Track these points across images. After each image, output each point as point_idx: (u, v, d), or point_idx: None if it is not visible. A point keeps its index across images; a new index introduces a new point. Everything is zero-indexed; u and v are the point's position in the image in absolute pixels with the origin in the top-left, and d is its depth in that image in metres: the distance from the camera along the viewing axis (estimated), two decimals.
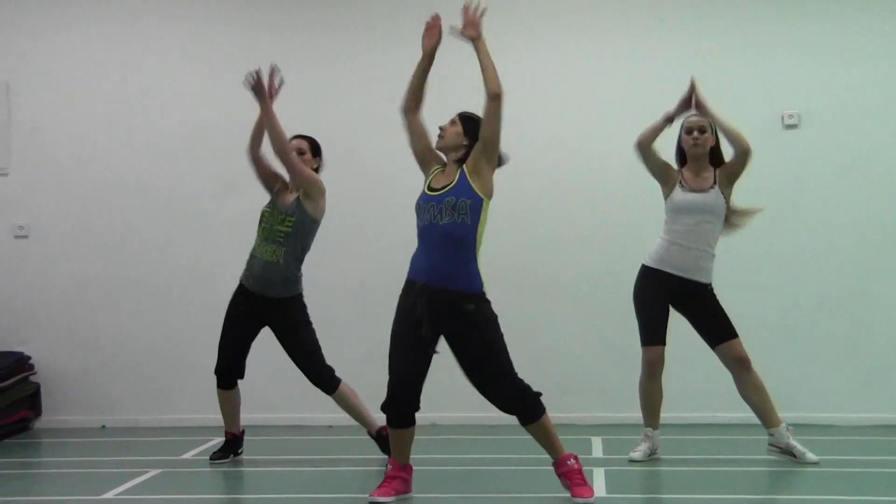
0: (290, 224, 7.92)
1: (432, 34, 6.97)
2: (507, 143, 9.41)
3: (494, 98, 6.76)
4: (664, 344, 7.90)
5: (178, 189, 10.06)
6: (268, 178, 8.19)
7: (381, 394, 8.52)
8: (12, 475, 7.94)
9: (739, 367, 7.80)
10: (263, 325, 8.11)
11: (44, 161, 10.12)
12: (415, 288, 6.62)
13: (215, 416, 9.72)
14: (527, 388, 6.67)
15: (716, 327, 7.85)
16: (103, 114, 10.11)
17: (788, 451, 7.77)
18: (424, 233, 6.67)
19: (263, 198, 9.35)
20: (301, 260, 8.01)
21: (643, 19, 9.91)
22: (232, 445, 8.25)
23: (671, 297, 7.87)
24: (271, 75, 8.07)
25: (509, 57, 9.94)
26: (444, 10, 9.97)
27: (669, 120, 7.98)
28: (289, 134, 8.03)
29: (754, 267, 9.60)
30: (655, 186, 8.49)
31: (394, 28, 10.06)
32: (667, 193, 7.92)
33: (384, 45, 10.05)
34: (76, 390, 9.98)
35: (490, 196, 6.68)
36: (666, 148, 8.17)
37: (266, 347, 9.58)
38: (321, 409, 9.65)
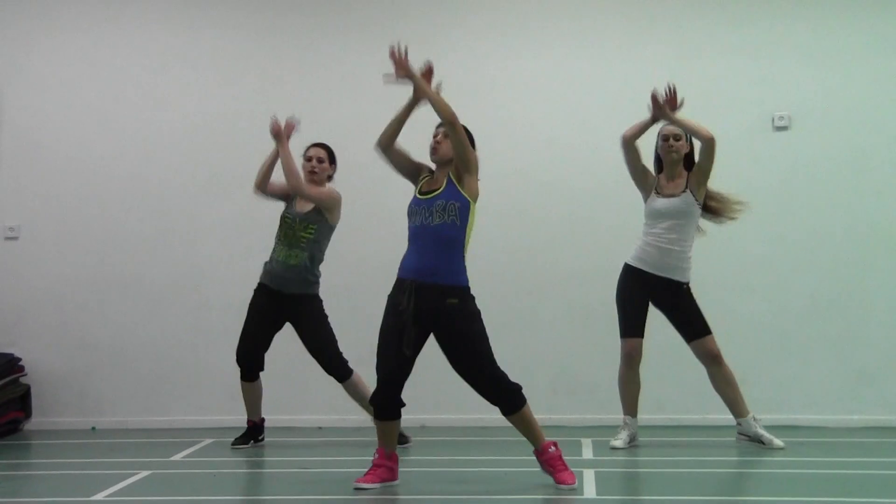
0: (312, 231, 8.46)
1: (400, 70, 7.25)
2: (496, 144, 9.49)
3: (451, 124, 7.01)
4: (642, 336, 8.37)
5: (168, 190, 10.05)
6: (281, 195, 8.66)
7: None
8: (2, 477, 7.91)
9: (711, 362, 8.29)
10: (284, 321, 8.60)
11: (34, 162, 10.11)
12: (403, 285, 6.90)
13: (205, 418, 9.79)
14: (505, 379, 6.88)
15: (690, 324, 8.32)
16: (93, 115, 10.10)
17: (757, 439, 8.28)
18: (416, 233, 6.97)
19: (253, 198, 9.35)
20: (319, 262, 8.57)
21: (634, 20, 9.92)
22: (253, 432, 8.68)
23: (650, 294, 8.35)
24: (288, 123, 8.60)
25: (500, 57, 10.01)
26: (432, 12, 10.08)
27: (655, 119, 8.33)
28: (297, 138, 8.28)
29: (745, 268, 9.62)
30: None
31: (383, 30, 10.05)
32: (645, 198, 8.40)
33: (376, 47, 10.01)
34: (66, 392, 9.97)
35: (476, 199, 6.99)
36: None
37: None
38: (311, 410, 9.69)
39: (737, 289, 9.46)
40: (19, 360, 9.93)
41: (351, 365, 8.73)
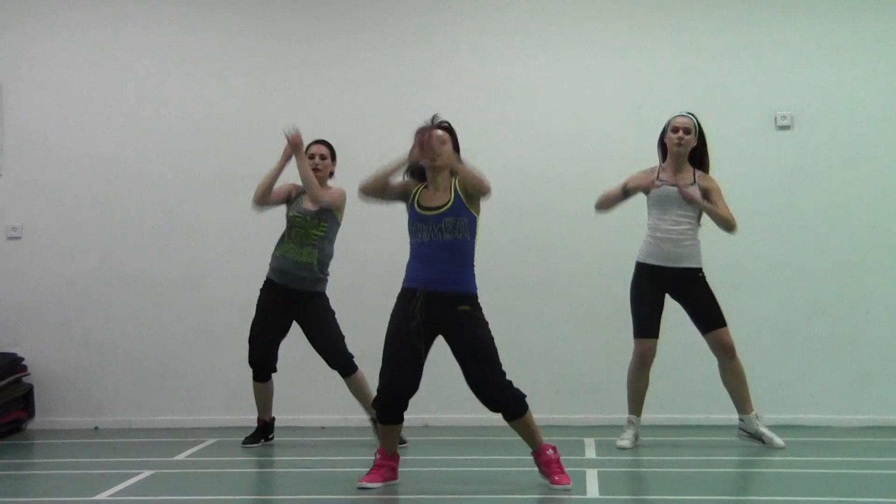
0: (323, 229, 8.46)
1: (424, 153, 6.93)
2: (498, 143, 9.50)
3: (486, 194, 6.95)
4: (656, 337, 8.28)
5: (170, 190, 10.04)
6: (280, 200, 8.65)
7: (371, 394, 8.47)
8: (5, 476, 7.92)
9: (725, 354, 8.24)
10: (292, 319, 8.59)
11: (36, 162, 10.10)
12: (413, 294, 6.85)
13: (208, 418, 9.79)
14: (510, 387, 6.89)
15: (706, 315, 8.25)
16: (96, 115, 10.09)
17: (757, 437, 8.27)
18: (423, 248, 6.90)
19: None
20: (329, 259, 8.56)
21: (636, 20, 9.91)
22: (263, 431, 8.71)
23: (667, 287, 8.28)
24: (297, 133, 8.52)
25: (502, 57, 10.00)
26: (435, 13, 10.07)
27: (626, 193, 8.34)
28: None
29: (748, 268, 9.60)
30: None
31: (386, 30, 10.06)
32: (646, 192, 8.31)
33: (376, 47, 10.04)
34: (69, 391, 9.96)
35: (479, 213, 6.97)
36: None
37: None
38: (314, 410, 9.68)
39: (739, 288, 9.42)
40: (22, 359, 9.92)
41: (356, 362, 8.71)
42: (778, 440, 8.22)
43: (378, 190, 7.06)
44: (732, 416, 8.96)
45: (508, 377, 6.90)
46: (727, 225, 8.23)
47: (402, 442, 8.35)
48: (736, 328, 8.38)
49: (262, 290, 8.65)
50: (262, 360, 8.58)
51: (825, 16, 9.83)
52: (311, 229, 8.45)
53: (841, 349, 9.65)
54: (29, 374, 9.95)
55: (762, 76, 9.78)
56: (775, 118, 9.77)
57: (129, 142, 10.08)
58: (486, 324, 6.90)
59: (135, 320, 10.00)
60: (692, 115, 8.32)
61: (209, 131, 10.03)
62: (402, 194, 7.06)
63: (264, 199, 8.57)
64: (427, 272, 6.85)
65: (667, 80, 9.86)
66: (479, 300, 6.92)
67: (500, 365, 6.87)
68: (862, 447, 8.64)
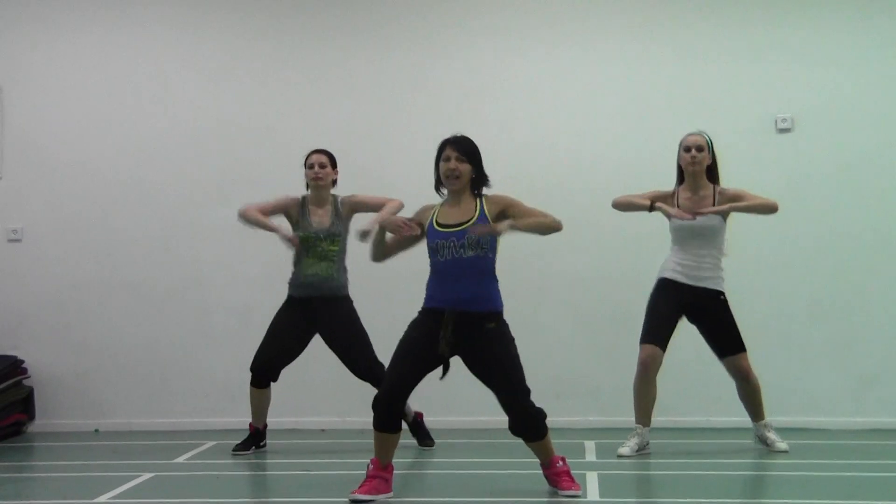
0: (338, 242, 8.35)
1: (404, 234, 6.79)
2: (497, 147, 9.47)
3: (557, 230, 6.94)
4: (661, 346, 8.11)
5: (171, 193, 10.05)
6: (278, 213, 8.52)
7: (370, 400, 8.53)
8: (5, 479, 7.91)
9: (741, 378, 8.20)
10: (314, 333, 8.43)
11: (37, 165, 10.11)
12: (439, 315, 6.61)
13: (208, 420, 9.79)
14: (534, 409, 6.68)
15: (725, 340, 8.19)
16: (96, 118, 10.10)
17: (763, 441, 8.29)
18: (446, 267, 6.66)
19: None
20: (345, 266, 8.46)
21: (636, 23, 9.91)
22: (255, 438, 8.56)
23: (685, 307, 8.16)
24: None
25: (501, 60, 10.00)
26: (435, 15, 10.07)
27: (651, 209, 8.19)
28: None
29: (748, 271, 9.58)
30: (647, 191, 8.52)
31: (384, 34, 10.06)
32: (668, 216, 8.18)
33: (375, 51, 10.05)
34: (69, 394, 9.96)
35: None
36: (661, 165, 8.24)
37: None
38: (314, 412, 9.69)
39: (739, 291, 9.38)
40: (22, 362, 9.93)
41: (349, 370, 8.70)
42: (780, 444, 8.22)
43: (390, 253, 6.90)
44: (733, 420, 8.98)
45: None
46: (765, 208, 8.13)
47: (430, 442, 8.41)
48: None
49: (281, 307, 8.45)
50: (262, 369, 8.39)
51: (826, 18, 9.84)
52: (327, 246, 8.34)
53: (841, 352, 9.66)
54: (29, 377, 9.96)
55: (762, 79, 9.79)
56: (776, 121, 9.77)
57: (129, 145, 10.09)
58: (512, 340, 6.71)
59: (135, 323, 10.01)
60: (703, 132, 8.23)
61: (208, 135, 10.04)
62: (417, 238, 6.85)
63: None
64: (452, 291, 6.62)
65: (667, 84, 9.86)
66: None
67: (524, 384, 6.64)
68: (862, 450, 8.63)
